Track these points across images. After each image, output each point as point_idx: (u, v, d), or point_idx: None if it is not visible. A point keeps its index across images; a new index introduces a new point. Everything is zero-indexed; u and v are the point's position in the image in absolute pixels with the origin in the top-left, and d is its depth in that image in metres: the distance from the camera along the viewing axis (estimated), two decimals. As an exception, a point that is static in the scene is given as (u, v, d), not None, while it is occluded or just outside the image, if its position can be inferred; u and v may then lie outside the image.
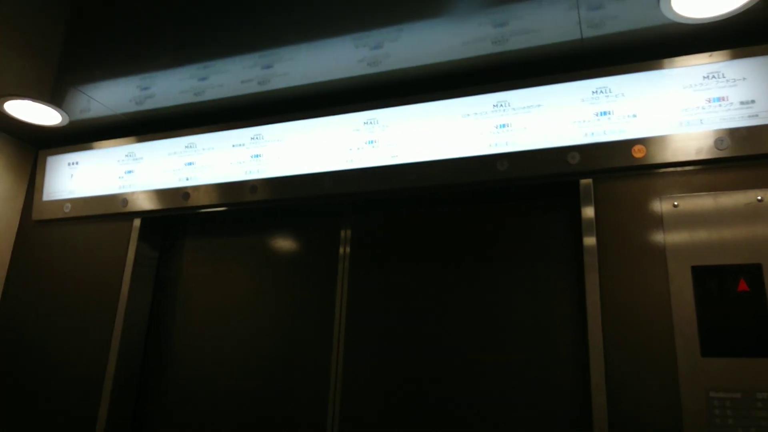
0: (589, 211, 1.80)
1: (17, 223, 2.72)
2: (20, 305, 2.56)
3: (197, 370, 2.34)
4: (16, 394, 2.43)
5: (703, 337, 1.58)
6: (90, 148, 2.61)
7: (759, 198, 1.63)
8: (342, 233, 2.28)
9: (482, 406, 1.91)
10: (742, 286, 1.58)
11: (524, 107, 1.93)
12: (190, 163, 2.37)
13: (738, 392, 1.52)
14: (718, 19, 1.71)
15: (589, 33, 1.82)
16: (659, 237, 1.70)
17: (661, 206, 1.73)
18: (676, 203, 1.71)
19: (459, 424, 1.92)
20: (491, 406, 1.90)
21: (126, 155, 2.51)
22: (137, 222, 2.44)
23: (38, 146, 2.82)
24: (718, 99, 1.71)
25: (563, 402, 1.83)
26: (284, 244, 2.38)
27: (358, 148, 2.11)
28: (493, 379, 1.92)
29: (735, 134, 1.67)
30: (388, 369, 2.06)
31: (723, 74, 1.72)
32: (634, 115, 1.79)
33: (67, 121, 2.54)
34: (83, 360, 2.35)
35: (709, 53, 1.75)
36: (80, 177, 2.59)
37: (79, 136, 2.70)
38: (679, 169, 1.74)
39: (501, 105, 1.96)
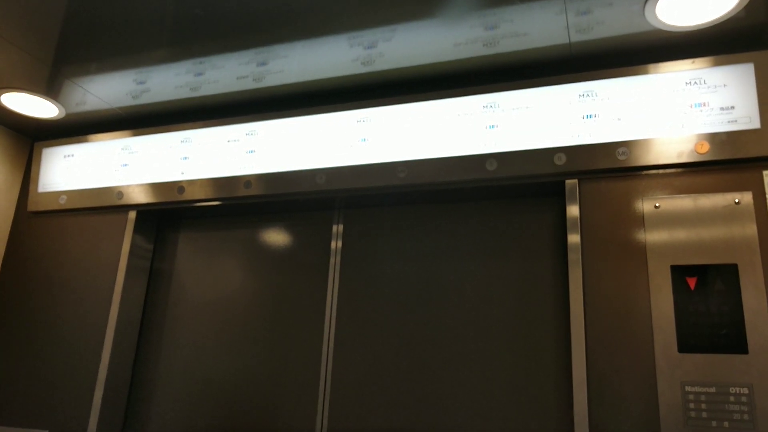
0: (574, 211, 1.86)
1: (12, 214, 2.73)
2: (15, 296, 2.59)
3: (190, 361, 2.38)
4: (11, 384, 2.46)
5: (681, 333, 1.64)
6: (86, 140, 2.63)
7: (737, 200, 1.69)
8: (334, 228, 2.33)
9: (466, 399, 1.97)
10: (719, 285, 1.64)
11: (513, 109, 1.98)
12: (185, 158, 2.40)
13: (713, 387, 1.58)
14: (700, 27, 1.77)
15: (577, 38, 1.87)
16: (640, 236, 1.76)
17: (643, 207, 1.78)
18: (657, 204, 1.77)
19: (445, 417, 1.97)
20: (475, 400, 1.96)
21: (122, 148, 2.54)
22: (132, 214, 2.47)
23: (34, 138, 2.84)
24: (700, 104, 1.77)
25: (546, 395, 1.89)
26: (277, 238, 2.42)
27: (351, 146, 2.16)
28: (478, 373, 1.98)
29: (715, 139, 1.73)
30: (378, 363, 2.11)
31: (704, 80, 1.78)
32: (619, 119, 1.84)
33: (63, 114, 2.56)
34: (78, 351, 2.38)
35: (691, 60, 1.81)
36: (76, 169, 2.61)
37: (75, 129, 2.72)
38: (661, 171, 1.80)
39: (491, 106, 2.01)
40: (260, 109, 2.42)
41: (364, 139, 2.14)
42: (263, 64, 2.11)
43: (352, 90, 2.26)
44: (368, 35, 1.91)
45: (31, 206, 2.67)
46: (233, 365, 2.31)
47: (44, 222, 2.65)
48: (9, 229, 2.71)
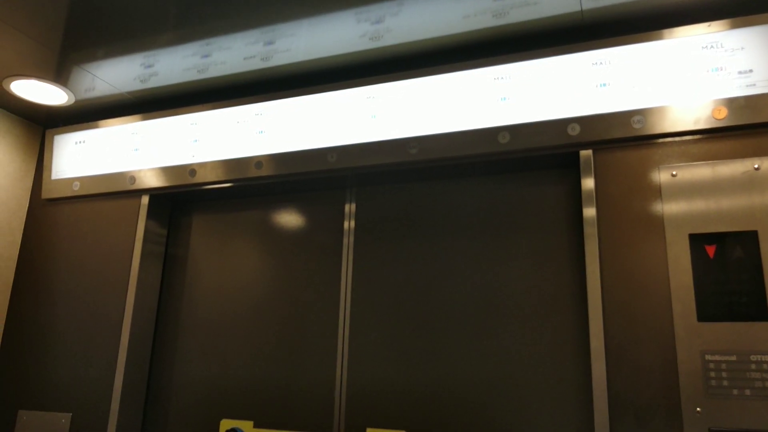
0: (589, 182, 1.83)
1: (27, 202, 2.76)
2: (32, 283, 2.62)
3: (207, 343, 2.40)
4: (30, 371, 2.50)
5: (700, 302, 1.63)
6: (96, 126, 2.64)
7: (756, 166, 1.66)
8: (346, 207, 2.32)
9: (484, 376, 1.97)
10: (738, 252, 1.62)
11: (525, 80, 1.95)
12: (195, 140, 2.40)
13: (733, 355, 1.57)
14: (716, -12, 1.73)
15: (589, 5, 1.83)
16: (657, 206, 1.74)
17: (660, 176, 1.76)
18: (674, 172, 1.74)
19: (462, 393, 1.98)
20: (493, 376, 1.96)
21: (132, 133, 2.54)
22: (145, 199, 2.48)
23: (45, 125, 2.85)
24: (717, 69, 1.72)
25: (564, 367, 1.88)
26: (290, 219, 2.42)
27: (361, 123, 2.14)
28: (496, 349, 1.98)
29: (733, 104, 1.69)
30: (394, 341, 2.11)
31: (721, 44, 1.74)
32: (634, 86, 1.81)
33: (72, 100, 2.57)
34: (97, 336, 2.41)
35: (707, 23, 1.76)
36: (88, 155, 2.62)
37: (85, 115, 2.73)
38: (677, 139, 1.77)
39: (502, 78, 1.98)
40: (269, 89, 2.40)
41: (374, 116, 2.12)
42: (270, 43, 2.09)
43: (361, 66, 2.23)
44: (375, 10, 1.89)
45: (45, 193, 2.68)
46: (249, 346, 2.32)
47: (58, 209, 2.67)
48: (24, 216, 2.74)
